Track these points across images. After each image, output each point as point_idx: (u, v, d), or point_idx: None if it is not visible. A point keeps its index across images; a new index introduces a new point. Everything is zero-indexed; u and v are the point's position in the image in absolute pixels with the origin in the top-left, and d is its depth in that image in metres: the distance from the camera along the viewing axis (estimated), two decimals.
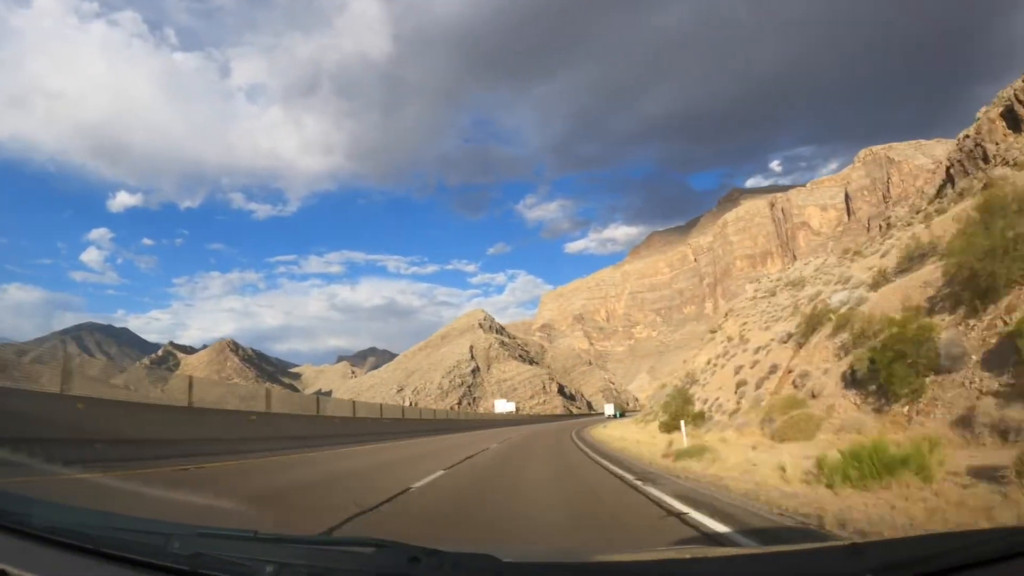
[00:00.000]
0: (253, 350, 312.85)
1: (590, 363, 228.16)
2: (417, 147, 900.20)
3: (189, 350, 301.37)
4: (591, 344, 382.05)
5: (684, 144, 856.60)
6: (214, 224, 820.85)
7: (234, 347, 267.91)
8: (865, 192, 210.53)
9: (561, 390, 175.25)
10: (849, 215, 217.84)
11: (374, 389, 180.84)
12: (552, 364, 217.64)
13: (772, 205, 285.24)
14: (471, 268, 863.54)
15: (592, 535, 5.73)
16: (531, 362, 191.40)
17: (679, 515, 6.13)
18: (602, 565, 2.08)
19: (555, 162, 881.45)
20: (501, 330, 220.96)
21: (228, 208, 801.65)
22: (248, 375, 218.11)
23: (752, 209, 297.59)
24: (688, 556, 2.19)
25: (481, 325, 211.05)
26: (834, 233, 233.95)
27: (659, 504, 7.03)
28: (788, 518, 5.76)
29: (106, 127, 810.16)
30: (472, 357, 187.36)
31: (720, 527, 5.38)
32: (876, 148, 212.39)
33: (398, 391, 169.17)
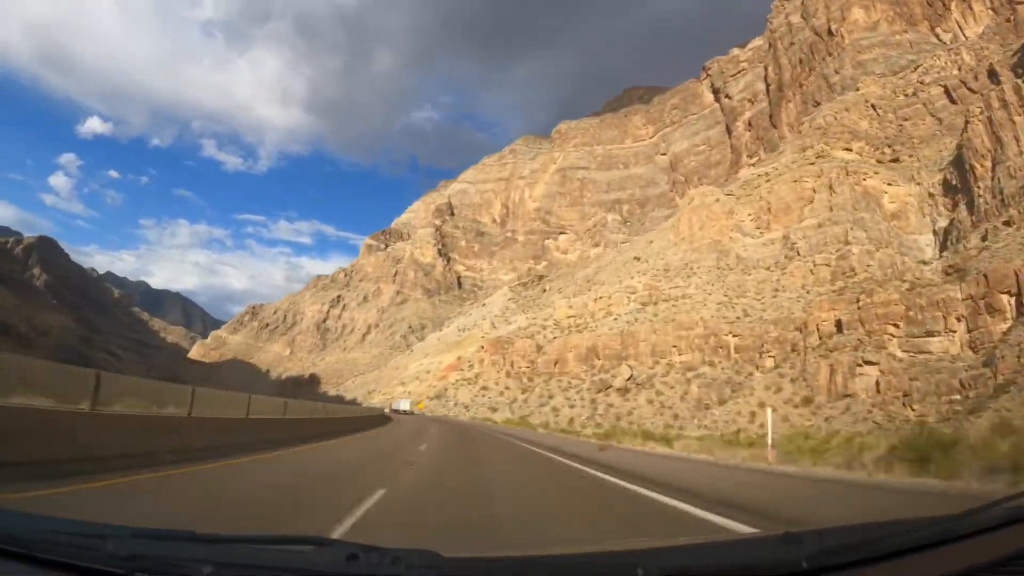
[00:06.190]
0: None
1: None
2: (384, 114, 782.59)
3: None
4: (446, 260, 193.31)
5: None
6: (183, 169, 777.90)
7: None
8: None
9: None
10: None
11: None
12: None
13: None
14: None
15: None
16: None
17: None
18: (542, 559, 2.09)
19: None
20: None
21: (198, 154, 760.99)
22: None
23: None
24: (628, 549, 2.21)
25: None
26: None
27: None
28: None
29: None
30: None
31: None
32: None
33: None
